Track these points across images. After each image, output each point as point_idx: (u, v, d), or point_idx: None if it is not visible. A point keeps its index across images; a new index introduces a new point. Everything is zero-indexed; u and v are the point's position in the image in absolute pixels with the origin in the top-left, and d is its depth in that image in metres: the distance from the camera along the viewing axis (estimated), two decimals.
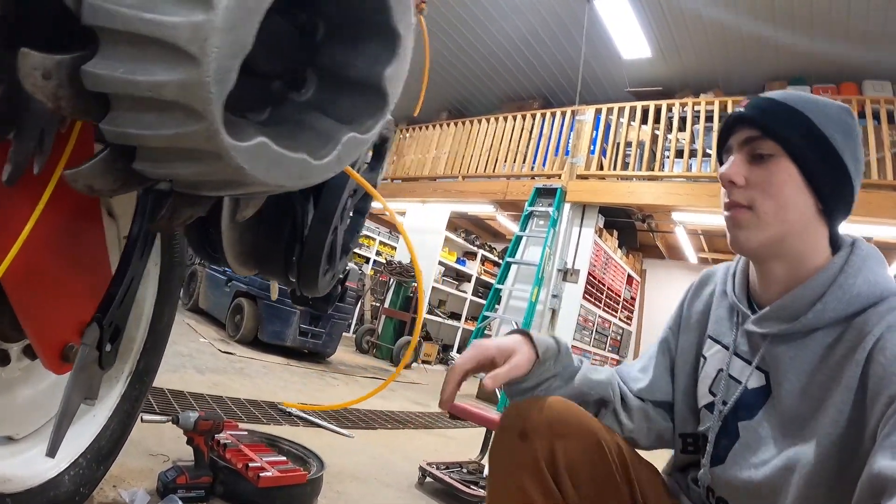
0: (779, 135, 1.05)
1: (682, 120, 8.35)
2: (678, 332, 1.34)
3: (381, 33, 0.86)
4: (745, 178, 1.07)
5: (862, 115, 7.22)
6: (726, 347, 1.19)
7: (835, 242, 1.08)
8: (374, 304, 10.32)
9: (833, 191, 1.04)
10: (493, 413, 3.08)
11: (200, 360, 4.55)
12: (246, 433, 2.40)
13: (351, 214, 1.77)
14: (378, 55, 0.87)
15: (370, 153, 1.75)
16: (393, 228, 14.06)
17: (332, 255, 1.61)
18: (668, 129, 8.28)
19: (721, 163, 1.15)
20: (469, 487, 2.73)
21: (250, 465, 2.02)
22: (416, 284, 9.52)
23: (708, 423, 1.16)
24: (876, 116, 7.15)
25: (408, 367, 8.65)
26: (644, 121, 8.46)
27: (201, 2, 0.59)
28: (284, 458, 2.25)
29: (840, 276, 1.01)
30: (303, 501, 2.18)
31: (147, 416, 1.92)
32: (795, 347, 1.03)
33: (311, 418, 3.58)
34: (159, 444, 2.35)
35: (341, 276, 1.95)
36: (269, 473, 2.00)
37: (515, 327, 1.25)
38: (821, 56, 8.51)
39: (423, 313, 9.86)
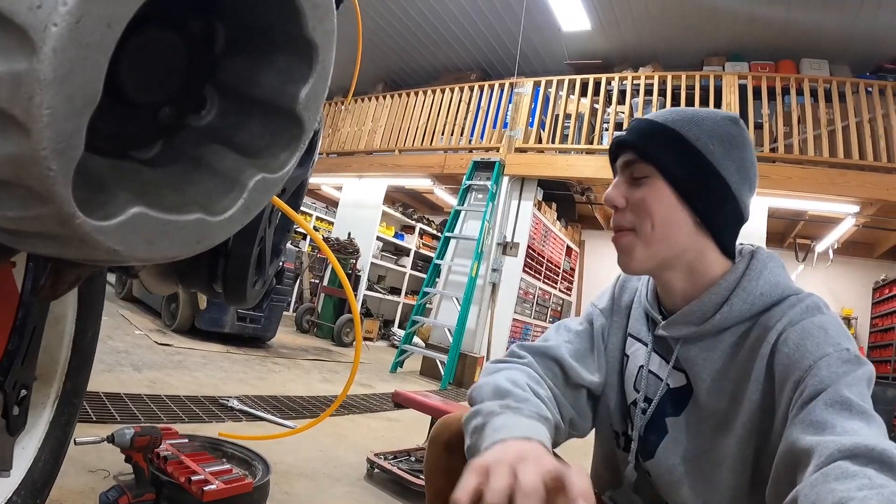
0: (651, 156, 1.08)
1: (622, 93, 8.43)
2: (609, 323, 1.33)
3: (293, 45, 0.69)
4: (626, 200, 1.11)
5: (800, 92, 7.47)
6: (645, 344, 1.23)
7: (731, 252, 1.13)
8: (312, 281, 10.17)
9: (710, 205, 1.08)
10: (437, 401, 3.05)
11: (137, 356, 4.38)
12: (186, 440, 2.30)
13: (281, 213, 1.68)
14: (290, 71, 0.70)
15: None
16: (330, 204, 13.87)
17: (261, 264, 1.52)
18: (608, 102, 8.34)
19: None
20: (418, 477, 2.70)
21: (193, 478, 1.93)
22: (354, 261, 9.42)
23: (636, 416, 1.19)
24: (813, 95, 7.37)
25: (349, 345, 8.58)
26: (583, 94, 8.50)
27: (19, 44, 0.42)
28: (228, 466, 2.16)
29: (743, 278, 1.07)
30: None
31: (81, 439, 1.81)
32: (706, 348, 1.09)
33: (254, 412, 3.48)
34: (99, 458, 2.22)
35: (274, 274, 1.86)
36: (213, 486, 1.91)
37: (511, 436, 1.00)
38: (760, 33, 8.71)
39: (364, 290, 9.80)
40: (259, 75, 0.71)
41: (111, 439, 1.85)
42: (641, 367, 1.21)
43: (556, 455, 0.95)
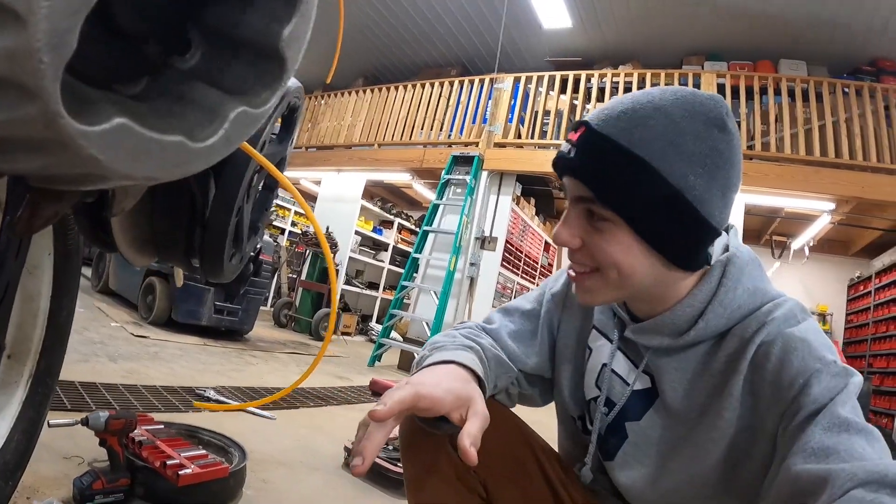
0: (613, 203, 0.92)
1: (601, 91, 8.49)
2: (561, 310, 1.28)
3: None
4: (583, 241, 0.98)
5: (778, 92, 7.60)
6: (610, 341, 1.16)
7: (700, 264, 0.99)
8: (290, 276, 10.12)
9: (687, 248, 0.95)
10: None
11: (113, 347, 4.33)
12: (162, 426, 2.28)
13: (259, 190, 1.66)
14: (274, 11, 0.70)
15: (278, 124, 1.63)
16: (308, 198, 13.79)
17: (239, 238, 1.50)
18: (587, 99, 8.39)
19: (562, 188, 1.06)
20: (396, 465, 2.70)
21: (168, 462, 1.91)
22: (332, 256, 9.38)
23: (596, 417, 1.15)
24: (791, 94, 7.50)
25: None
26: (563, 90, 8.55)
27: None
28: (204, 452, 2.14)
29: (720, 290, 0.98)
30: (226, 495, 2.09)
31: (54, 421, 1.77)
32: (678, 359, 1.04)
33: (231, 402, 3.46)
34: (73, 445, 2.19)
35: (252, 254, 1.84)
36: (188, 470, 1.89)
37: (438, 358, 1.03)
38: (739, 33, 8.82)
39: (342, 284, 9.75)
40: (243, 16, 0.71)
41: (85, 422, 1.82)
42: (605, 364, 1.15)
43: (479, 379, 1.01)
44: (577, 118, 8.17)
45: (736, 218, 7.30)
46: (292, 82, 1.49)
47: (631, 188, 0.90)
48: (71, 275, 1.58)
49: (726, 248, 1.04)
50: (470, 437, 0.84)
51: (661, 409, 1.06)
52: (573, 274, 1.03)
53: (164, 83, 0.71)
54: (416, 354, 7.00)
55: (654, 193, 0.90)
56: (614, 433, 1.12)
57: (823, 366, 0.87)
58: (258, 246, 1.91)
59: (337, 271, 9.49)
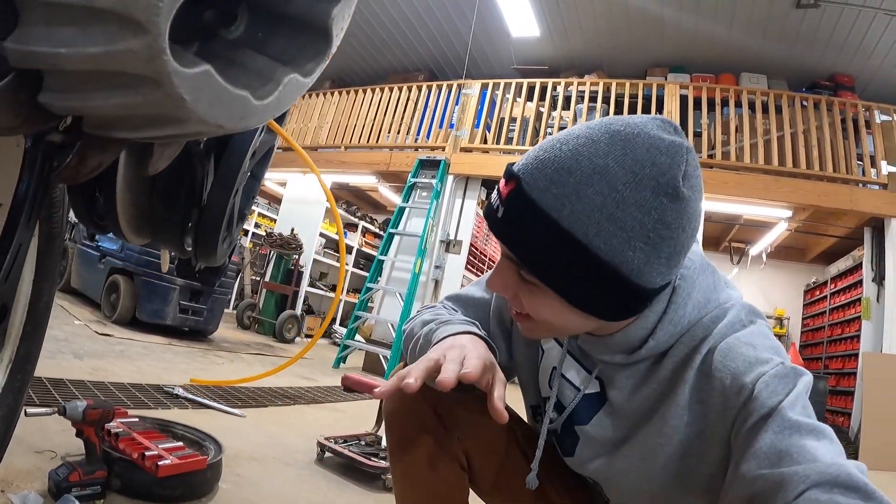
0: (539, 274, 0.89)
1: (567, 99, 8.62)
2: None
3: None
4: (515, 294, 0.97)
5: (738, 104, 7.86)
6: (560, 345, 1.17)
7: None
8: (254, 278, 10.04)
9: (619, 309, 0.92)
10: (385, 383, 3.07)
11: (78, 345, 4.26)
12: (137, 420, 2.27)
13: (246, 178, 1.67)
14: None
15: None
16: (273, 200, 13.68)
17: (231, 222, 1.52)
18: (553, 106, 8.51)
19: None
20: (370, 459, 2.71)
21: (146, 454, 1.90)
22: (297, 257, 9.35)
23: (544, 422, 1.16)
24: (751, 106, 7.77)
25: (291, 342, 8.51)
26: (529, 98, 8.66)
27: None
28: (181, 444, 2.14)
29: (669, 309, 0.96)
30: (204, 487, 2.09)
31: (31, 410, 1.76)
32: (630, 370, 1.04)
33: (200, 400, 3.44)
34: (45, 439, 2.17)
35: (235, 243, 1.86)
36: (167, 461, 1.89)
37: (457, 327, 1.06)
38: (703, 46, 9.05)
39: (305, 286, 9.71)
40: None
41: (62, 411, 1.79)
42: (555, 368, 1.16)
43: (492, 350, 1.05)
44: (543, 125, 8.36)
45: None
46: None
47: (557, 263, 0.87)
48: (53, 260, 1.57)
49: None
50: (502, 401, 0.93)
51: (609, 412, 1.08)
52: (515, 314, 1.02)
53: (215, 48, 0.74)
54: (381, 358, 6.95)
55: (586, 271, 0.86)
56: (568, 434, 1.15)
57: (770, 368, 0.87)
58: (238, 239, 1.92)
59: (301, 273, 9.44)
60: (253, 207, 12.47)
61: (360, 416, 4.21)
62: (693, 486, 0.97)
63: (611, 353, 1.03)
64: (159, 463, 1.87)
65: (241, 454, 2.65)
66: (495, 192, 0.94)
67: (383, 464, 2.69)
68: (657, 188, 0.82)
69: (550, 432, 1.18)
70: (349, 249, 12.11)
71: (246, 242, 11.67)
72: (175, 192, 1.34)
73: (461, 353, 0.96)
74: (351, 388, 3.09)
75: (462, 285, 8.24)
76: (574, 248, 0.84)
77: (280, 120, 1.65)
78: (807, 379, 0.88)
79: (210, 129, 0.66)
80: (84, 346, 4.26)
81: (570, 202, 0.83)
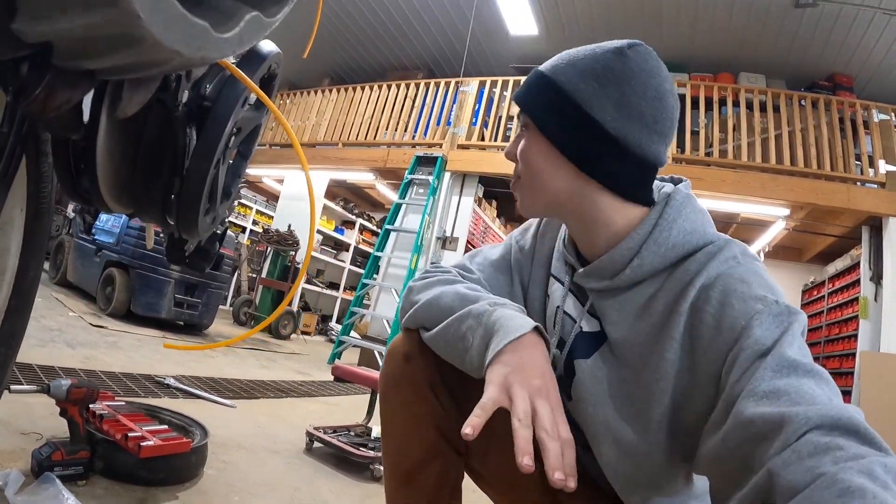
0: (527, 107, 1.08)
1: None
2: (531, 262, 1.31)
3: None
4: (514, 153, 1.12)
5: (737, 103, 7.84)
6: (563, 283, 1.21)
7: (640, 198, 1.06)
8: (251, 275, 10.03)
9: (585, 150, 1.02)
10: (377, 374, 3.06)
11: (71, 335, 4.24)
12: (123, 403, 2.25)
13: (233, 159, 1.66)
14: None
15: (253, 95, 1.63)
16: (270, 197, 13.68)
17: (213, 194, 1.50)
18: None
19: None
20: (359, 449, 2.70)
21: (130, 434, 1.89)
22: (293, 254, 9.32)
23: (555, 360, 1.17)
24: (749, 105, 7.76)
25: (287, 337, 8.50)
26: None
27: None
28: (166, 427, 2.12)
29: (654, 230, 1.02)
30: (188, 471, 2.07)
31: (15, 387, 1.75)
32: (620, 301, 1.06)
33: (190, 389, 3.43)
34: (31, 422, 2.16)
35: (221, 228, 1.84)
36: (150, 443, 1.87)
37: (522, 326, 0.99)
38: (701, 45, 9.05)
39: (302, 283, 9.68)
40: None
41: (46, 389, 1.79)
42: (558, 307, 1.19)
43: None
44: None
45: None
46: (273, 48, 1.51)
47: (538, 97, 1.06)
48: (40, 235, 1.54)
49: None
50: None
51: (608, 351, 1.09)
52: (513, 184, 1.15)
53: None
54: (376, 355, 6.93)
55: (553, 99, 1.04)
56: (569, 372, 1.14)
57: (765, 306, 0.88)
58: (226, 227, 1.91)
59: (297, 269, 9.42)
60: (250, 205, 12.49)
61: (353, 409, 4.21)
62: (679, 446, 0.97)
63: (599, 278, 1.08)
64: (142, 444, 1.86)
65: (228, 442, 2.63)
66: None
67: (372, 454, 2.68)
68: (609, 50, 1.04)
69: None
70: (346, 247, 12.10)
71: (244, 239, 11.67)
72: (156, 159, 1.33)
73: (549, 391, 0.91)
74: (342, 378, 3.08)
75: None
76: (547, 84, 1.05)
77: (270, 91, 1.62)
78: (802, 318, 0.89)
79: (168, 54, 0.66)
80: (77, 337, 4.24)
81: (559, 66, 1.06)
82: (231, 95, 1.34)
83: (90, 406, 1.97)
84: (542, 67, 1.08)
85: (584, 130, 1.01)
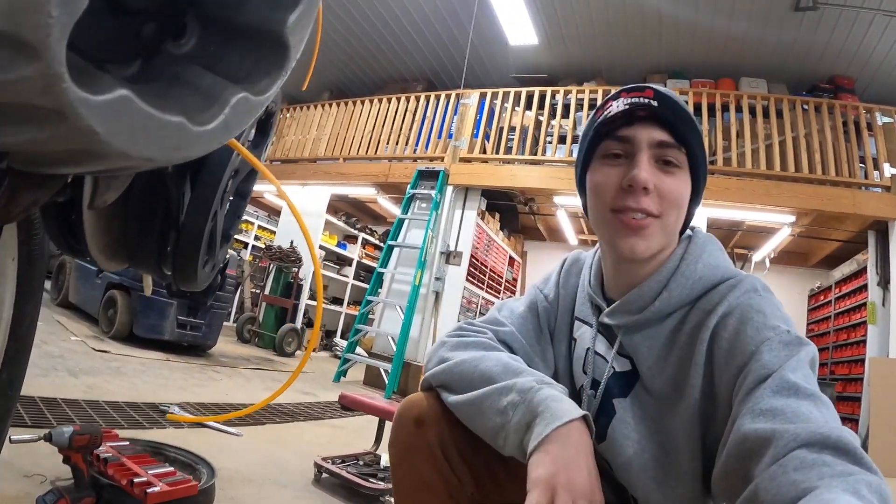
0: (688, 144, 1.05)
1: (566, 107, 8.60)
2: (556, 310, 1.32)
3: None
4: (655, 185, 1.04)
5: (739, 109, 7.81)
6: (590, 325, 1.22)
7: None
8: (254, 291, 9.99)
9: (699, 198, 1.12)
10: (384, 402, 3.02)
11: (73, 361, 4.21)
12: (128, 443, 2.21)
13: (232, 197, 1.62)
14: None
15: (253, 129, 1.60)
16: (272, 212, 13.66)
17: (212, 244, 1.46)
18: (552, 115, 8.48)
19: (593, 148, 1.12)
20: (367, 481, 2.65)
21: (135, 480, 1.85)
22: (296, 270, 9.29)
23: (584, 400, 1.19)
24: (751, 111, 7.72)
25: (291, 355, 8.45)
26: (528, 106, 8.64)
27: None
28: (172, 469, 2.08)
29: (681, 264, 1.07)
30: None
31: (16, 437, 1.71)
32: (648, 335, 1.09)
33: (195, 419, 3.38)
34: (34, 463, 2.11)
35: (221, 264, 1.81)
36: (156, 489, 1.84)
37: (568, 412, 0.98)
38: (701, 52, 9.05)
39: (305, 299, 9.64)
40: (245, 2, 0.69)
41: (48, 437, 1.75)
42: (588, 349, 1.20)
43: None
44: (542, 134, 8.32)
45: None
46: None
47: (694, 136, 1.06)
48: (35, 282, 1.50)
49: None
50: None
51: (643, 389, 1.10)
52: (630, 222, 1.04)
53: (159, 66, 0.69)
54: (382, 372, 6.89)
55: (700, 143, 1.07)
56: (603, 412, 1.14)
57: (776, 334, 0.91)
58: (227, 256, 1.87)
59: (300, 286, 9.39)
60: (252, 220, 12.47)
61: (359, 433, 4.15)
62: (700, 477, 0.99)
63: (628, 314, 1.10)
64: (148, 490, 1.83)
65: (235, 476, 2.59)
66: (632, 98, 1.07)
67: (382, 485, 2.63)
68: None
69: None
70: (349, 261, 12.07)
71: (246, 255, 11.65)
72: (149, 215, 1.29)
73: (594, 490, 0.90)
74: (348, 407, 3.04)
75: (463, 297, 8.20)
76: (695, 126, 1.07)
77: (267, 132, 1.58)
78: (811, 349, 0.91)
79: (138, 162, 0.60)
80: (80, 363, 4.21)
81: (688, 111, 1.08)
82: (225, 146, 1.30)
83: (94, 450, 1.93)
84: (673, 96, 1.07)
85: (701, 182, 1.10)
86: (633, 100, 1.06)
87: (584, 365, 1.21)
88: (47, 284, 7.35)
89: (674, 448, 1.02)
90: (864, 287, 7.76)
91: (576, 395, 1.23)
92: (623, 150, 1.07)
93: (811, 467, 0.67)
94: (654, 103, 1.05)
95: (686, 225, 1.13)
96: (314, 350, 10.05)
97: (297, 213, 1.67)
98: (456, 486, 1.12)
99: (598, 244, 1.23)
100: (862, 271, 8.13)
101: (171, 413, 3.34)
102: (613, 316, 1.13)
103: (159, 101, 0.57)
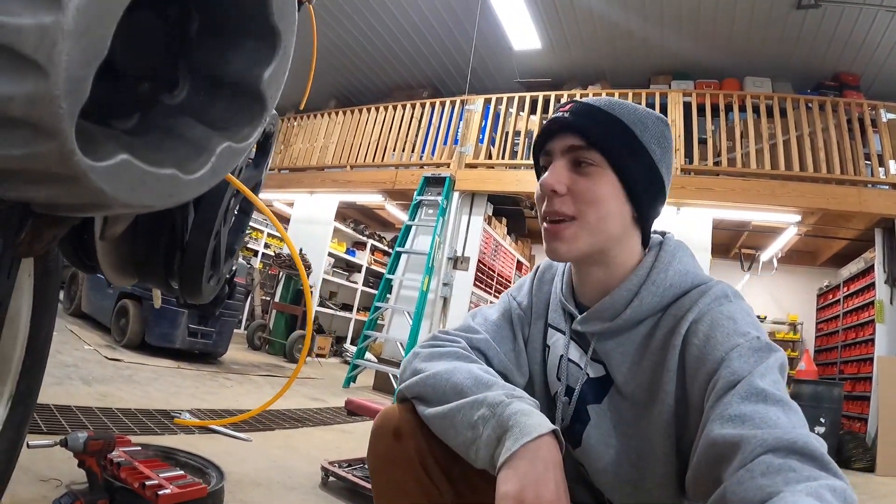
0: (604, 146, 1.07)
1: None
2: (530, 318, 1.33)
3: (259, 31, 0.77)
4: (568, 188, 1.08)
5: (743, 108, 7.80)
6: (563, 333, 1.23)
7: (646, 241, 1.16)
8: (264, 298, 10.07)
9: (650, 201, 1.11)
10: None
11: (86, 370, 4.29)
12: (140, 448, 2.28)
13: (235, 213, 1.69)
14: (256, 55, 0.78)
15: (253, 149, 1.67)
16: (281, 220, 13.73)
17: (216, 260, 1.53)
18: None
19: (538, 166, 1.17)
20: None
21: (147, 483, 1.92)
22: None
23: (558, 406, 1.20)
24: (756, 110, 7.69)
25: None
26: (533, 111, 8.66)
27: (49, 1, 0.49)
28: (182, 472, 2.15)
29: (652, 272, 1.09)
30: None
31: (34, 442, 1.79)
32: (621, 342, 1.11)
33: (206, 424, 3.45)
34: (50, 467, 2.19)
35: (228, 275, 1.87)
36: (167, 490, 1.90)
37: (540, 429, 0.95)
38: (705, 53, 9.04)
39: (314, 308, 9.71)
40: (228, 58, 0.78)
41: (64, 443, 1.83)
42: (562, 356, 1.22)
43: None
44: None
45: (704, 233, 7.47)
46: None
47: (615, 138, 1.07)
48: (50, 296, 1.58)
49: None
50: None
51: (617, 394, 1.12)
52: (549, 227, 1.11)
53: (155, 118, 0.78)
54: (391, 378, 6.93)
55: (631, 145, 1.08)
56: (579, 418, 1.16)
57: (746, 341, 0.93)
58: (233, 268, 1.94)
59: (311, 293, 9.46)
60: (262, 228, 12.56)
61: (366, 437, 4.15)
62: (681, 471, 0.99)
63: (600, 321, 1.12)
64: (159, 492, 1.88)
65: (244, 479, 2.65)
66: (555, 114, 1.13)
67: None
68: (660, 119, 1.13)
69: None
70: (358, 268, 12.14)
71: (256, 263, 11.74)
72: (155, 237, 1.37)
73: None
74: (354, 413, 3.09)
75: (471, 302, 8.24)
76: (623, 128, 1.08)
77: (267, 151, 1.65)
78: (780, 355, 0.93)
79: (138, 209, 0.70)
80: (93, 372, 4.29)
81: (614, 106, 1.10)
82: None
83: (108, 454, 2.00)
84: (605, 107, 1.10)
85: (652, 178, 1.10)
86: (555, 115, 1.13)
87: (557, 372, 1.22)
88: (60, 295, 7.47)
89: (649, 452, 1.04)
90: (872, 285, 7.74)
91: (551, 401, 1.25)
92: (547, 163, 1.13)
93: (777, 472, 0.69)
94: (567, 115, 1.10)
95: (646, 222, 1.14)
96: (324, 356, 10.12)
97: (282, 230, 1.73)
98: (436, 495, 1.12)
99: None
100: (869, 269, 8.11)
101: (179, 417, 3.41)
102: (586, 324, 1.15)
103: (155, 156, 0.68)
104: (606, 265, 1.13)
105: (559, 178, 1.08)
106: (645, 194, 1.10)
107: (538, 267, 1.40)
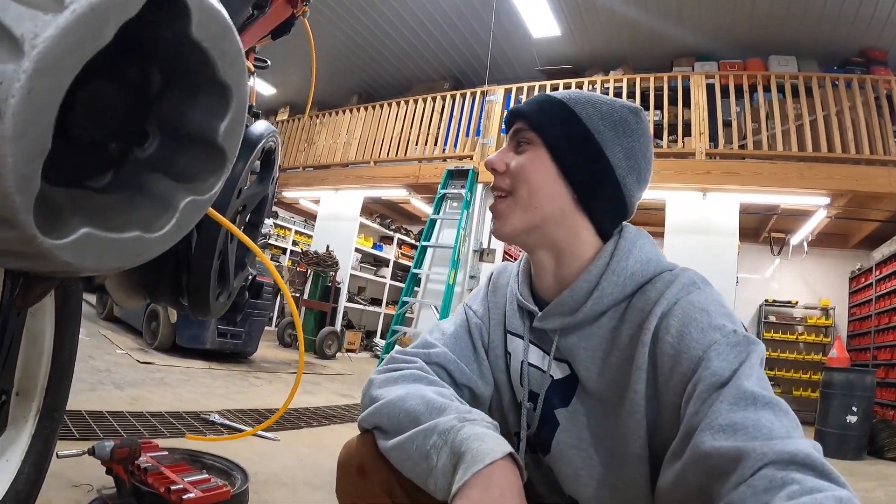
0: (539, 126, 1.10)
1: None
2: (488, 325, 1.29)
3: (211, 86, 0.80)
4: (507, 165, 1.12)
5: (767, 89, 7.63)
6: (522, 337, 1.20)
7: (607, 236, 1.11)
8: (294, 294, 10.20)
9: (590, 184, 1.08)
10: None
11: (118, 374, 4.40)
12: (166, 453, 2.35)
13: (244, 227, 1.74)
14: (212, 108, 0.81)
15: (258, 162, 1.70)
16: (308, 217, 13.87)
17: (224, 277, 1.58)
18: None
19: None
20: None
21: (172, 487, 1.98)
22: (333, 274, 9.46)
23: (522, 414, 1.17)
24: (781, 90, 7.53)
25: (332, 357, 8.61)
26: None
27: None
28: (207, 476, 2.21)
29: (612, 261, 1.05)
30: None
31: (63, 452, 1.86)
32: (584, 336, 1.07)
33: (234, 425, 3.53)
34: (81, 473, 2.26)
35: (245, 283, 1.92)
36: (191, 495, 1.96)
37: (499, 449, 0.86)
38: (726, 33, 8.87)
39: (344, 302, 9.81)
40: (188, 112, 0.82)
41: (92, 452, 1.90)
42: (522, 361, 1.18)
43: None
44: None
45: (731, 217, 7.39)
46: (266, 126, 1.59)
47: (551, 118, 1.10)
48: (71, 315, 1.66)
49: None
50: None
51: (584, 393, 1.08)
52: (492, 204, 1.16)
53: (127, 174, 0.83)
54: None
55: (571, 128, 1.08)
56: (546, 423, 1.13)
57: (723, 336, 0.89)
58: (252, 275, 1.99)
59: (338, 289, 9.55)
60: (289, 226, 12.68)
61: None
62: (657, 477, 0.93)
63: (561, 316, 1.09)
64: (184, 496, 1.94)
65: (270, 479, 2.71)
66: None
67: None
68: (626, 106, 1.12)
69: (528, 438, 1.16)
70: (386, 262, 12.25)
71: (284, 261, 11.87)
72: (161, 260, 1.40)
73: None
74: None
75: None
76: (565, 110, 1.10)
77: (271, 165, 1.70)
78: (760, 348, 0.90)
79: (108, 271, 0.76)
80: (125, 376, 4.40)
81: (577, 100, 1.11)
82: (226, 187, 1.40)
83: (135, 461, 2.08)
84: (558, 96, 1.13)
85: (595, 165, 1.08)
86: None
87: (521, 378, 1.19)
88: (92, 299, 7.65)
89: (621, 453, 1.01)
90: None
91: (518, 409, 1.21)
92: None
93: (780, 487, 0.67)
94: (523, 104, 1.16)
95: (597, 209, 1.09)
96: (354, 352, 10.21)
97: (270, 265, 1.77)
98: None
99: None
100: None
101: (191, 435, 3.50)
102: (546, 320, 1.12)
103: (121, 219, 0.73)
104: (557, 254, 1.12)
105: (501, 157, 1.14)
106: (583, 176, 1.08)
107: (492, 273, 1.38)
